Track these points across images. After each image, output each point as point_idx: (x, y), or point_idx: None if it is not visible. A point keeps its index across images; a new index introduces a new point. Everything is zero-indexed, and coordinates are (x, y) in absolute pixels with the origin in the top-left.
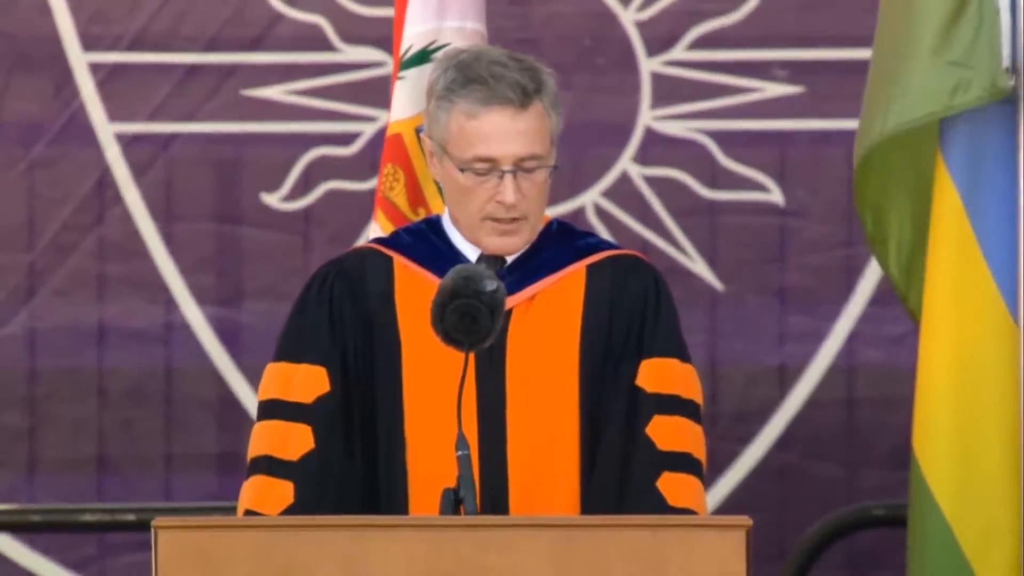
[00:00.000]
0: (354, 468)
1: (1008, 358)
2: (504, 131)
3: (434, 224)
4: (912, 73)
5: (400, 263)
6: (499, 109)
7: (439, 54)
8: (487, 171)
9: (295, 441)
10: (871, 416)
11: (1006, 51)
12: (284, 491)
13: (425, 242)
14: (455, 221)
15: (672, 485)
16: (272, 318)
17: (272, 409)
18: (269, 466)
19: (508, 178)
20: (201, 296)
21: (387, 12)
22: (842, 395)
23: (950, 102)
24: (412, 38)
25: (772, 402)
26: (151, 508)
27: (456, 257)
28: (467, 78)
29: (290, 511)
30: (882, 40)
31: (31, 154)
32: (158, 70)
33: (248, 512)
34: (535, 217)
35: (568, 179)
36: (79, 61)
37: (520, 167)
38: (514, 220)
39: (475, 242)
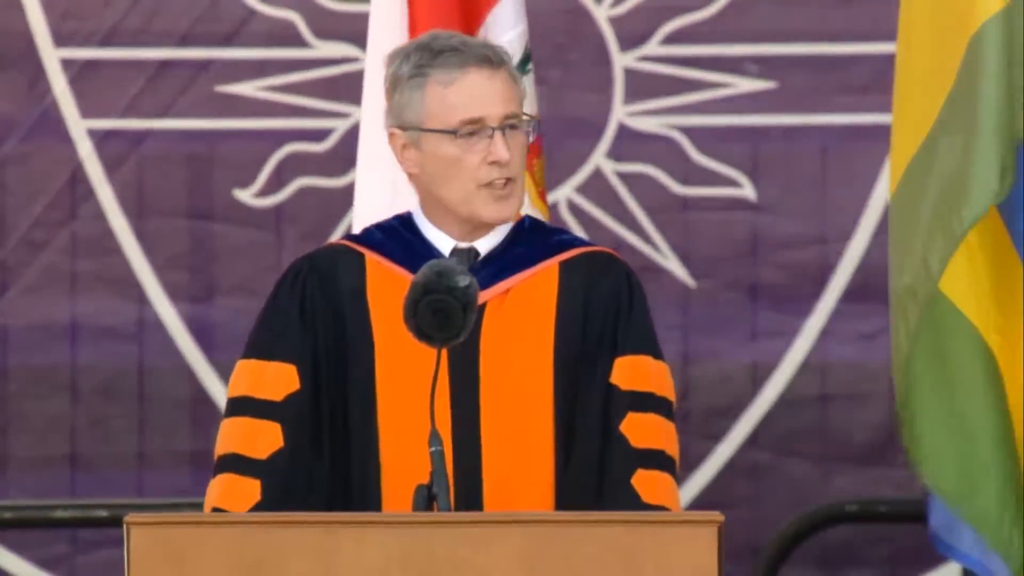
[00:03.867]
0: (323, 466)
1: None
2: (484, 90)
3: (406, 220)
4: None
5: (372, 259)
6: (475, 70)
7: (387, 55)
8: (476, 132)
9: (264, 439)
10: (843, 413)
11: None
12: (251, 489)
13: (397, 238)
14: (438, 209)
15: (646, 482)
16: (245, 315)
17: (241, 406)
18: (237, 464)
19: (498, 135)
20: (174, 293)
21: (360, 7)
22: (814, 392)
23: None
24: (509, 44)
25: (744, 399)
26: (123, 504)
27: (429, 252)
28: (434, 52)
29: (257, 509)
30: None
31: (3, 150)
32: (131, 66)
33: (215, 510)
34: (521, 180)
35: None
36: (51, 57)
37: (506, 124)
38: (507, 183)
39: (470, 215)
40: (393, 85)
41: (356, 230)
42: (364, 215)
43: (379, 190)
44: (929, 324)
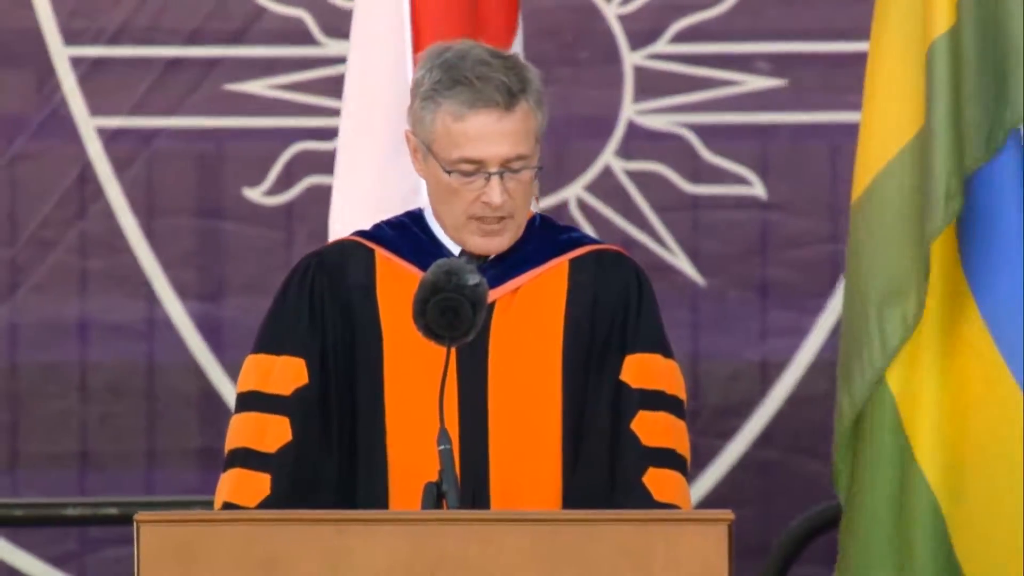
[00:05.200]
0: (331, 460)
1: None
2: (490, 133)
3: (417, 217)
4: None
5: (382, 255)
6: (485, 111)
7: (424, 52)
8: (473, 172)
9: (273, 433)
10: None
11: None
12: (261, 483)
13: (407, 235)
14: (439, 218)
15: (657, 480)
16: (254, 313)
17: (250, 401)
18: (246, 458)
19: (494, 180)
20: (183, 291)
21: None
22: (824, 390)
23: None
24: None
25: (754, 397)
26: (133, 502)
27: (439, 250)
28: (452, 79)
29: (266, 503)
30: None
31: (12, 148)
32: (140, 64)
33: (225, 504)
34: (520, 216)
35: (551, 173)
36: (60, 55)
37: (506, 168)
38: (500, 220)
39: (459, 242)
40: (414, 91)
41: (332, 236)
42: (343, 221)
43: (360, 195)
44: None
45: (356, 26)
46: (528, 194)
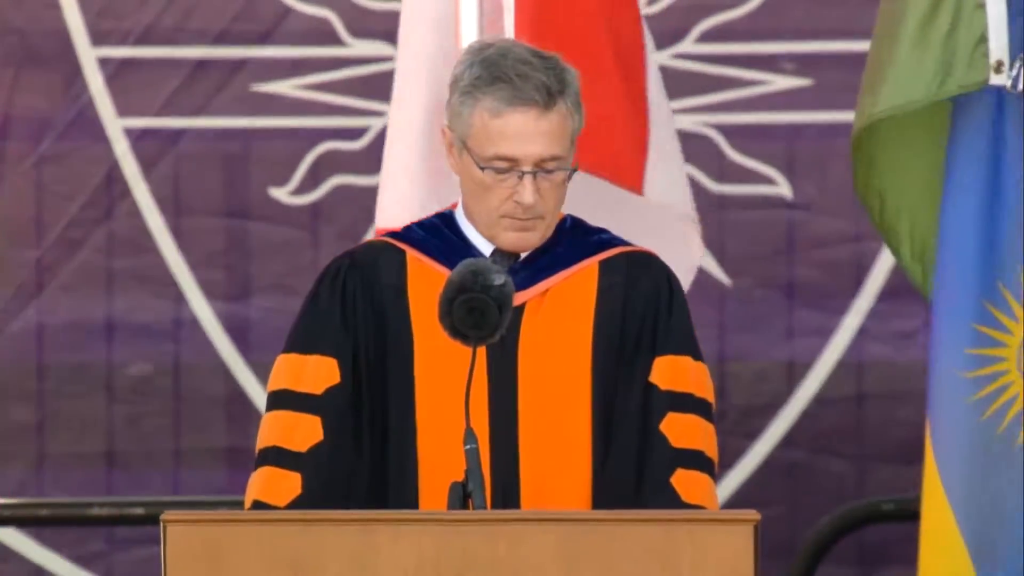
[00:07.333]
0: (362, 460)
1: None
2: (527, 132)
3: (447, 218)
4: (899, 59)
5: (413, 256)
6: (523, 109)
7: (465, 48)
8: (507, 170)
9: (304, 432)
10: (880, 411)
11: (994, 44)
12: (292, 482)
13: (438, 236)
14: (471, 215)
15: (685, 482)
16: (280, 313)
17: (282, 399)
18: (277, 457)
19: (527, 179)
20: (209, 291)
21: (395, 6)
22: (851, 390)
23: (936, 91)
24: None
25: (781, 397)
26: (160, 502)
27: (470, 251)
28: (493, 76)
29: (297, 502)
30: (880, 24)
31: (40, 149)
32: (167, 65)
33: (255, 503)
34: (551, 216)
35: None
36: (88, 56)
37: (540, 168)
38: (531, 219)
39: (491, 238)
40: (453, 86)
41: (380, 223)
42: (391, 213)
43: (406, 189)
44: None
45: (403, 25)
46: (560, 195)
